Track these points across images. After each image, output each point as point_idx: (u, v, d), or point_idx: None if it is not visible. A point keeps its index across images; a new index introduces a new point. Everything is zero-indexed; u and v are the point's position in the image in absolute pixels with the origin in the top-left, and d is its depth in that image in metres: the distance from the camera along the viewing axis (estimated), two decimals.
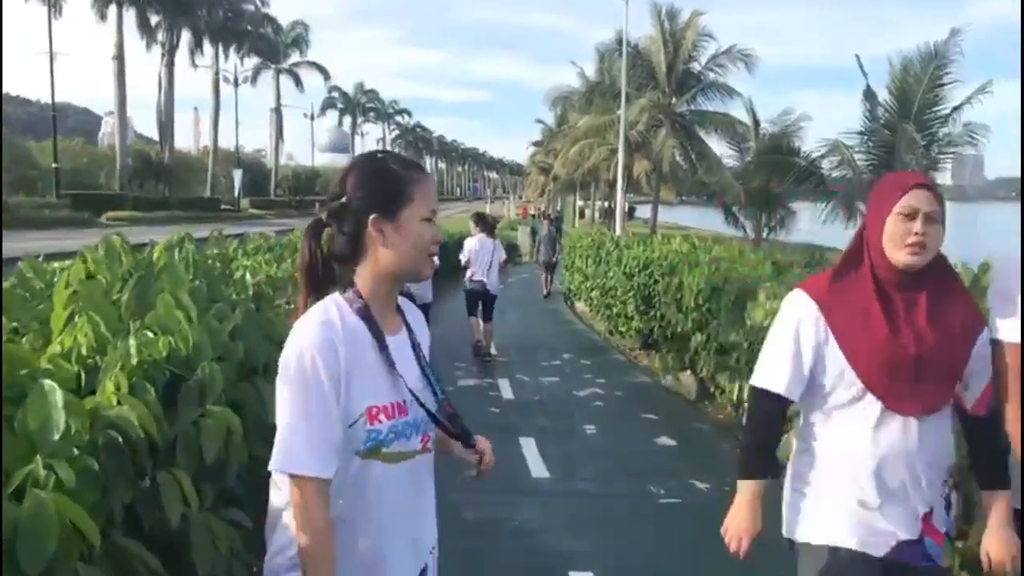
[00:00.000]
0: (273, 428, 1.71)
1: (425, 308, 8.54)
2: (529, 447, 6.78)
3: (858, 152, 23.65)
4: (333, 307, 1.74)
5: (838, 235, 24.69)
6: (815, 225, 25.03)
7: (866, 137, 23.32)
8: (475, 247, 10.60)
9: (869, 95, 23.12)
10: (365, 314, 1.76)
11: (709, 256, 9.78)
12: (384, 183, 1.78)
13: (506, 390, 8.97)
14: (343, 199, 1.78)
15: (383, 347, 1.77)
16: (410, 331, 1.90)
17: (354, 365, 1.70)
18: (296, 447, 1.65)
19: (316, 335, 1.68)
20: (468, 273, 10.57)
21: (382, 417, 1.74)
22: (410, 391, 1.79)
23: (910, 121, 21.68)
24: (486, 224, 10.82)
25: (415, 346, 1.89)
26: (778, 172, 23.94)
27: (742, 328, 7.32)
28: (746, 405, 2.69)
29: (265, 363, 3.25)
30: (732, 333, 7.43)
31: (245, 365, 3.08)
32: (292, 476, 1.67)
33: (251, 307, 3.55)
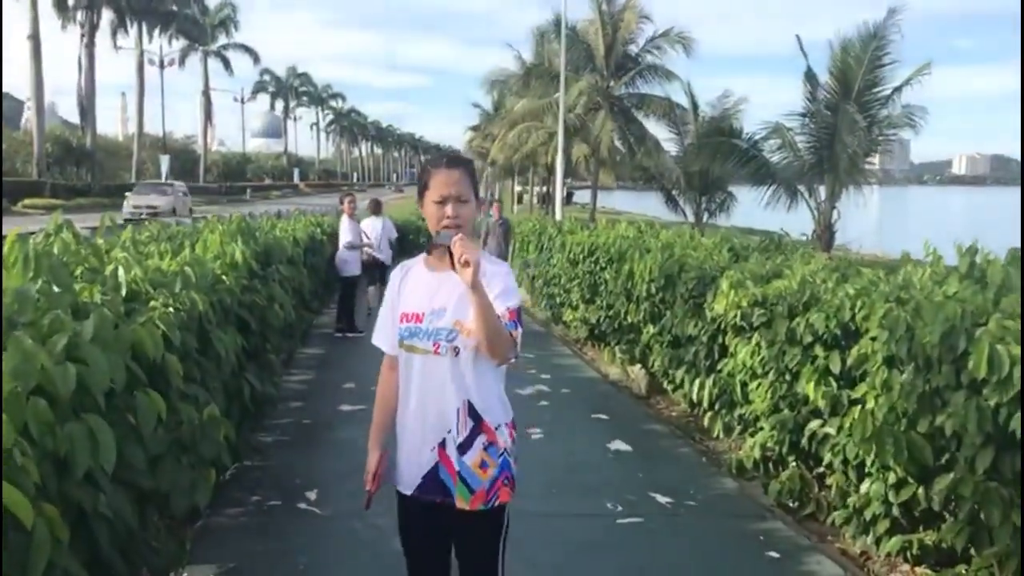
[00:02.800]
0: None
1: (383, 266, 12.27)
2: None
3: (799, 135, 23.35)
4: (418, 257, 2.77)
5: (777, 219, 24.55)
6: (756, 209, 24.74)
7: (808, 119, 23.00)
8: (374, 227, 12.57)
9: (810, 76, 22.77)
10: (424, 261, 2.72)
11: (659, 242, 9.18)
12: (419, 177, 2.77)
13: None
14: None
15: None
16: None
17: (405, 286, 2.73)
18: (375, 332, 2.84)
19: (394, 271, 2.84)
20: (367, 250, 12.31)
21: (405, 321, 2.65)
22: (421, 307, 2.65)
23: (851, 102, 21.41)
24: (378, 208, 13.01)
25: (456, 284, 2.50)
26: (719, 155, 23.50)
27: (700, 320, 6.71)
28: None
29: (126, 385, 2.48)
30: (690, 325, 6.81)
31: (82, 395, 2.29)
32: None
33: (108, 314, 2.75)
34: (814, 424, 4.95)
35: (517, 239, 14.89)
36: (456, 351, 2.57)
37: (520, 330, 2.59)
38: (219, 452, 3.09)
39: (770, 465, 5.84)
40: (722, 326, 6.28)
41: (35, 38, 42.97)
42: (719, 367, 6.41)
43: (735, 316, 5.78)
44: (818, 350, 4.89)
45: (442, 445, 2.62)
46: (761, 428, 5.73)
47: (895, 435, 3.92)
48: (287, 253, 6.75)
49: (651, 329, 7.81)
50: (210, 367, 3.82)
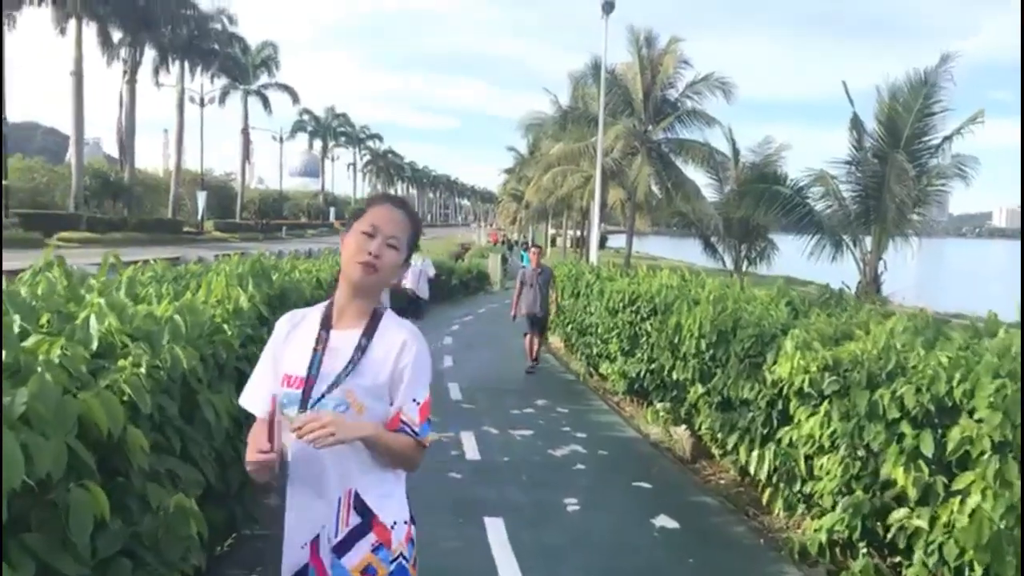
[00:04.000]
0: None
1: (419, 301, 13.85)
2: (497, 532, 5.41)
3: (844, 183, 22.64)
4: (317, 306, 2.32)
5: (819, 270, 23.74)
6: (798, 258, 23.97)
7: (853, 167, 22.31)
8: (414, 264, 13.22)
9: (856, 123, 22.14)
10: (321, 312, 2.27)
11: (705, 292, 8.53)
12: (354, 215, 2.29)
13: (470, 448, 7.57)
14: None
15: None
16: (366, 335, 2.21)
17: (291, 340, 2.25)
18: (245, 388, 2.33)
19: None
20: (404, 283, 13.52)
21: (286, 384, 2.17)
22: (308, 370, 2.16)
23: (900, 150, 20.70)
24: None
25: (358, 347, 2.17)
26: (762, 202, 22.81)
27: (758, 382, 6.04)
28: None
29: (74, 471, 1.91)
30: (745, 388, 6.14)
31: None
32: None
33: (49, 381, 2.18)
34: (899, 514, 4.25)
35: (557, 289, 13.29)
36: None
37: (430, 433, 2.23)
38: (186, 552, 2.49)
39: (837, 551, 5.15)
40: (783, 391, 5.61)
41: (78, 74, 43.50)
42: (778, 435, 5.73)
43: (802, 381, 5.10)
44: (905, 427, 4.21)
45: (314, 542, 2.14)
46: (828, 508, 5.04)
47: (1015, 542, 3.23)
48: (305, 296, 6.20)
49: (699, 388, 7.14)
50: (197, 435, 3.24)
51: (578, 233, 61.97)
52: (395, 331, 2.21)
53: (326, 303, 2.26)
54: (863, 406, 4.41)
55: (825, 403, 5.00)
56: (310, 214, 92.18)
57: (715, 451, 7.32)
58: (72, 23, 43.53)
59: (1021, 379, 3.54)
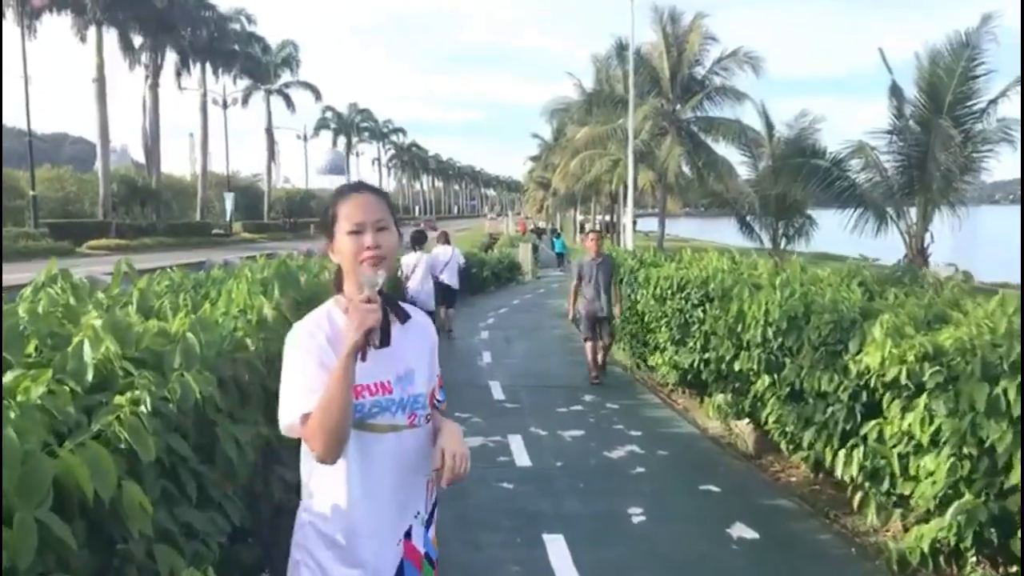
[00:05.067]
0: None
1: (452, 291, 14.22)
2: (558, 550, 4.89)
3: (884, 153, 21.79)
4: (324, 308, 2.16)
5: (859, 244, 22.93)
6: (840, 233, 23.16)
7: (894, 136, 21.44)
8: (444, 255, 14.22)
9: (895, 91, 21.28)
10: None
11: (764, 274, 7.94)
12: (324, 215, 2.18)
13: (520, 453, 7.04)
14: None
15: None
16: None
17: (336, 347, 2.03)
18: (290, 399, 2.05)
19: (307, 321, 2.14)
20: (440, 275, 13.66)
21: (367, 395, 2.05)
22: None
23: (944, 116, 19.83)
24: (447, 239, 14.81)
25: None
26: (800, 177, 22.04)
27: (837, 373, 5.46)
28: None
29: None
30: (823, 379, 5.56)
31: None
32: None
33: (13, 438, 1.69)
34: None
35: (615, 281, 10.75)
36: (428, 418, 2.20)
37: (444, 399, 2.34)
38: None
39: (941, 559, 4.60)
40: (869, 382, 5.04)
41: (100, 80, 43.47)
42: (862, 431, 5.16)
43: (897, 372, 4.52)
44: None
45: (407, 536, 2.16)
46: (930, 513, 4.49)
47: None
48: None
49: (765, 380, 6.55)
50: (216, 477, 2.75)
51: (606, 218, 61.23)
52: (408, 312, 2.24)
53: (331, 306, 2.15)
54: (982, 401, 3.84)
55: (923, 396, 4.43)
56: None
57: (784, 446, 6.76)
58: (92, 30, 43.50)
59: (1022, 369, 2.97)
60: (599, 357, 10.45)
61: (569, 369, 11.40)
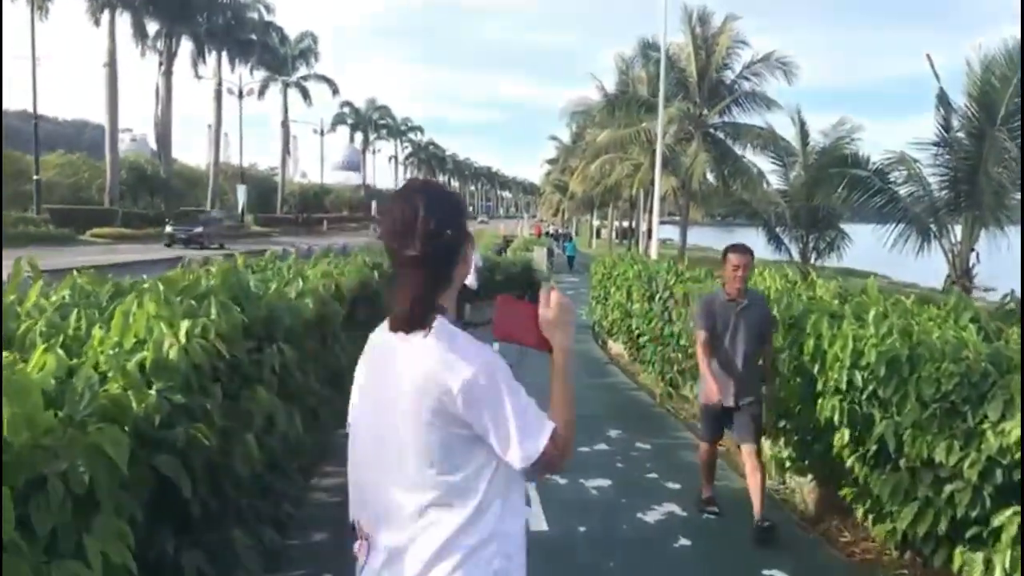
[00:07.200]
0: None
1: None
2: None
3: (929, 166, 20.35)
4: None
5: (894, 261, 21.53)
6: (877, 249, 21.72)
7: (941, 148, 20.01)
8: None
9: (943, 100, 19.87)
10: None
11: (829, 297, 6.62)
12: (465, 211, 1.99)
13: (537, 515, 5.64)
14: (446, 231, 1.81)
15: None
16: None
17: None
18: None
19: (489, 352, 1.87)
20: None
21: None
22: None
23: (998, 128, 18.42)
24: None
25: None
26: (843, 187, 20.68)
27: (958, 438, 4.14)
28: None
29: None
30: (940, 447, 4.23)
31: None
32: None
33: None
34: None
35: (596, 269, 8.61)
36: None
37: None
38: None
39: None
40: (1014, 459, 3.73)
41: (111, 65, 42.47)
42: (995, 522, 3.85)
43: None
44: None
45: None
46: None
47: None
48: (304, 316, 4.42)
49: (845, 435, 5.23)
50: None
51: (624, 224, 59.75)
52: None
53: (447, 319, 1.88)
54: None
55: None
56: (352, 207, 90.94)
57: (861, 513, 5.44)
58: (106, 13, 42.52)
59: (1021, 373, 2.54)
60: (754, 484, 5.58)
61: (592, 393, 10.04)
